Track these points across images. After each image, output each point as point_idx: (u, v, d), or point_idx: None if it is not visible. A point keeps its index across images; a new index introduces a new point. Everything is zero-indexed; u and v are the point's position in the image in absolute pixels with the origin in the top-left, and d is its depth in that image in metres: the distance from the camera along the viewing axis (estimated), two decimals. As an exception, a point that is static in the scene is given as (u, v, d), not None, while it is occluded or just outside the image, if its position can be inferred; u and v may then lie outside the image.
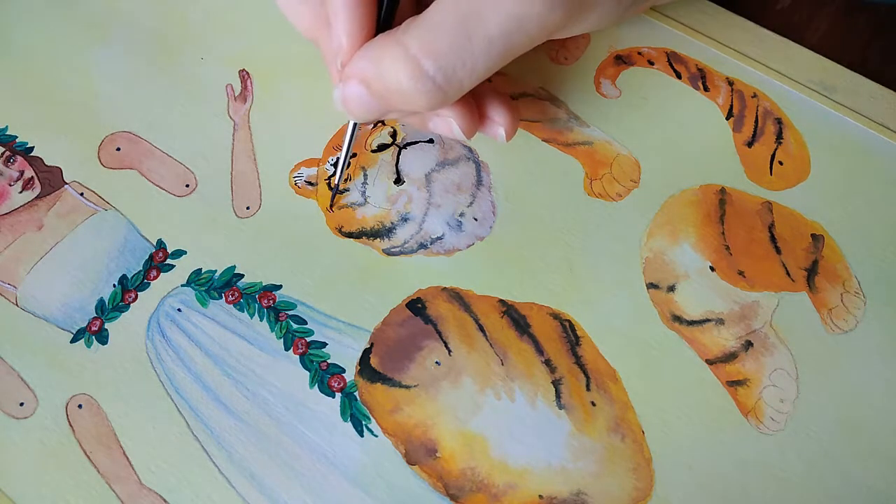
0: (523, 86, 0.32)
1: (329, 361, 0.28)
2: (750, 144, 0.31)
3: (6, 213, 0.31)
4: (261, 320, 0.28)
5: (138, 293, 0.29)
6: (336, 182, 0.30)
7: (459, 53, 0.23)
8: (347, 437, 0.26)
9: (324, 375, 0.27)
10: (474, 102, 0.27)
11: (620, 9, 0.26)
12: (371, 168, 0.31)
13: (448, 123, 0.26)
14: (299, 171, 0.31)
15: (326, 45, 0.27)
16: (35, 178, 0.31)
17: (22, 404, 0.27)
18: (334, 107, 0.26)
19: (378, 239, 0.30)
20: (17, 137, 0.32)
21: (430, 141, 0.31)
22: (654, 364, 0.27)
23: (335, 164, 0.31)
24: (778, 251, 0.29)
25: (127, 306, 0.29)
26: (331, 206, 0.30)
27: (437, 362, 0.27)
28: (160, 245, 0.30)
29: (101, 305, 0.29)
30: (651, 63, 0.33)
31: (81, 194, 0.31)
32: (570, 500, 0.25)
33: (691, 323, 0.28)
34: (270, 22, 0.35)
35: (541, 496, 0.26)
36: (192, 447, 0.26)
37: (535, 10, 0.22)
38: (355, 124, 0.28)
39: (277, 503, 0.26)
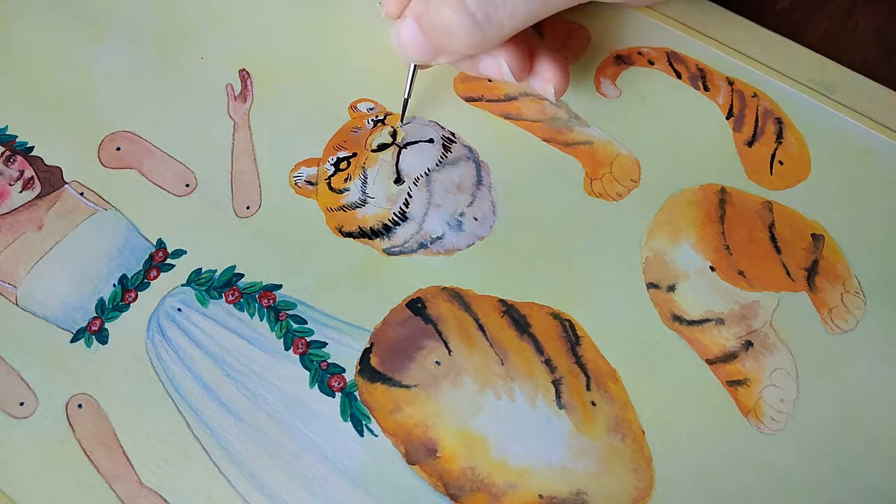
0: (524, 85, 0.32)
1: (329, 361, 0.28)
2: (750, 144, 0.31)
3: (6, 213, 0.31)
4: (261, 320, 0.28)
5: (138, 293, 0.29)
6: (402, 115, 0.31)
7: None
8: (347, 437, 0.26)
9: (324, 375, 0.27)
10: (527, 51, 0.28)
11: None
12: (371, 168, 0.31)
13: (498, 63, 0.28)
14: (299, 171, 0.31)
15: None
16: (35, 177, 0.31)
17: (22, 404, 0.27)
18: (392, 44, 0.28)
19: (378, 238, 0.30)
20: (17, 137, 0.32)
21: (430, 141, 0.31)
22: (654, 364, 0.27)
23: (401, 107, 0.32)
24: (778, 251, 0.29)
25: (127, 306, 0.29)
26: (402, 118, 0.32)
27: (437, 362, 0.27)
28: (160, 245, 0.30)
29: (101, 305, 0.29)
30: (651, 63, 0.33)
31: (81, 194, 0.31)
32: (570, 500, 0.25)
33: (691, 323, 0.28)
34: (270, 22, 0.35)
35: (541, 496, 0.26)
36: (192, 447, 0.26)
37: None
38: (415, 67, 0.30)
39: (277, 503, 0.26)
